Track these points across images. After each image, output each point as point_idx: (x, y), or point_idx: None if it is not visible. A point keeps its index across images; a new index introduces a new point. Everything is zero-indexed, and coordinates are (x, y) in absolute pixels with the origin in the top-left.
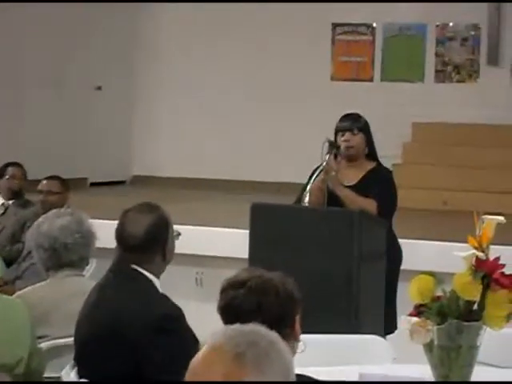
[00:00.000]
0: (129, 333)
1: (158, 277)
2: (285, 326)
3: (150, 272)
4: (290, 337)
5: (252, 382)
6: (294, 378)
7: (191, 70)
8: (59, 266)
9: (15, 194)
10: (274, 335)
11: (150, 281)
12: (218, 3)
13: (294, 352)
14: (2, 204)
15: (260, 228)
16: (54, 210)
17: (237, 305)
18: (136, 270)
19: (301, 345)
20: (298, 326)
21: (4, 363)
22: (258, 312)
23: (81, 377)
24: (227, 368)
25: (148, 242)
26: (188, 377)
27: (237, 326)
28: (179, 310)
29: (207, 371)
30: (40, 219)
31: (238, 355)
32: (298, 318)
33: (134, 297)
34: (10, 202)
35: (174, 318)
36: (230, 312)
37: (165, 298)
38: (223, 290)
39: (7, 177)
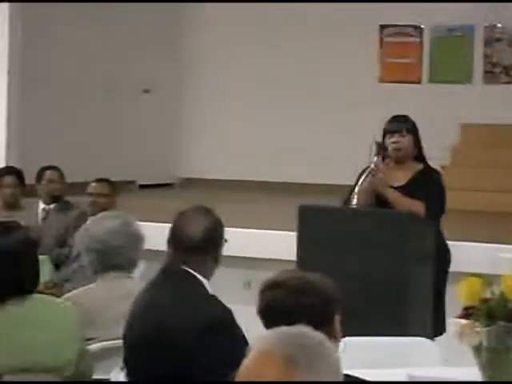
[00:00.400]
0: (178, 335)
1: (208, 279)
2: (325, 326)
3: (202, 274)
4: (330, 337)
5: (309, 382)
6: (342, 378)
7: (237, 72)
8: (108, 269)
9: (55, 198)
10: (321, 336)
11: (201, 283)
12: (263, 4)
13: None
14: (43, 209)
15: (308, 230)
16: (102, 213)
17: (276, 306)
18: (188, 272)
19: (341, 345)
20: (337, 326)
21: (54, 365)
22: (298, 312)
23: (130, 379)
24: (279, 371)
25: (205, 244)
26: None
27: (284, 329)
28: (229, 312)
29: (258, 376)
30: (88, 222)
31: (289, 358)
32: (337, 317)
33: (185, 298)
34: (51, 206)
35: (224, 320)
36: (270, 313)
37: (215, 300)
38: (262, 292)
39: (45, 181)
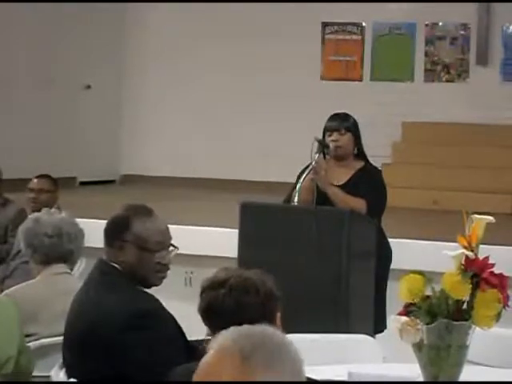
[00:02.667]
0: (103, 331)
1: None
2: (266, 324)
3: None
4: None
5: (266, 382)
6: (304, 378)
7: (180, 69)
8: (57, 258)
9: None
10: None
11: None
12: (206, 3)
13: None
14: None
15: (249, 227)
16: (44, 209)
17: (217, 305)
18: (116, 268)
19: None
20: (279, 323)
21: None
22: (239, 311)
23: (69, 377)
24: (236, 370)
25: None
26: (196, 380)
27: (242, 328)
28: (153, 306)
29: (215, 374)
30: (33, 216)
31: (246, 356)
32: (278, 315)
33: (112, 296)
34: None
35: (146, 313)
36: (211, 313)
37: (140, 293)
38: (203, 291)
39: None
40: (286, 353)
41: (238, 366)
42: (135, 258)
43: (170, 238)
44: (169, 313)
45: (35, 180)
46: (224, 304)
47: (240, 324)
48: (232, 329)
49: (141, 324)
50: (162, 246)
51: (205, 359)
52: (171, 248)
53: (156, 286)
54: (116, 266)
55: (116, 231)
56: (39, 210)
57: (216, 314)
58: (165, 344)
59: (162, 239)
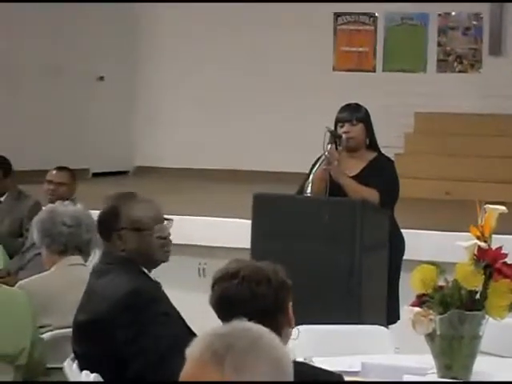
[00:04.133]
0: (103, 316)
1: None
2: (278, 314)
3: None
4: (284, 323)
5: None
6: (287, 370)
7: (193, 59)
8: (74, 248)
9: None
10: (257, 331)
11: (138, 268)
12: None
13: (287, 338)
14: None
15: (262, 218)
16: (57, 202)
17: (230, 296)
18: (124, 258)
19: (295, 331)
20: (291, 313)
21: (6, 353)
22: (252, 301)
23: (81, 368)
24: (210, 377)
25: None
26: None
27: (213, 330)
28: (150, 289)
29: (192, 378)
30: (47, 208)
31: (217, 362)
32: (290, 304)
33: (109, 280)
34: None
35: (139, 293)
36: (224, 304)
37: (140, 275)
38: (215, 282)
39: None
40: (259, 349)
41: (211, 371)
42: (136, 241)
43: (162, 212)
44: (166, 296)
45: (54, 172)
46: (236, 295)
47: (252, 314)
48: (204, 332)
49: (136, 303)
50: (156, 220)
51: (184, 369)
52: (166, 222)
53: (164, 262)
54: (117, 254)
55: (109, 224)
56: (55, 202)
57: (228, 305)
58: (162, 321)
59: (153, 214)
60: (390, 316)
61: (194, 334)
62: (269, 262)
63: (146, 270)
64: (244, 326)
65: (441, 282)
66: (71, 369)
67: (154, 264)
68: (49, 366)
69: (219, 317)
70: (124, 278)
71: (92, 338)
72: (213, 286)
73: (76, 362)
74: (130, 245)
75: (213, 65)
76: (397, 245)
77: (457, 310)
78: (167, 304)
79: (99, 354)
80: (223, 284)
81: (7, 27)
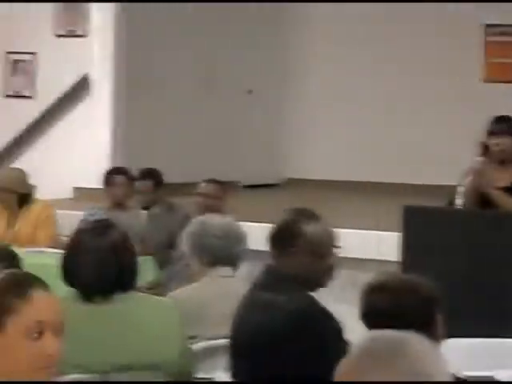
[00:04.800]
0: (275, 330)
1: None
2: (426, 327)
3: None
4: (432, 338)
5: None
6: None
7: (342, 71)
8: (223, 260)
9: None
10: (406, 340)
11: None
12: (369, 5)
13: None
14: (149, 211)
15: (413, 231)
16: (207, 215)
17: (378, 309)
18: (292, 275)
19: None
20: (440, 327)
21: (154, 362)
22: (400, 314)
23: (236, 379)
24: (349, 371)
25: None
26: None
27: (375, 332)
28: (322, 305)
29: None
30: (197, 220)
31: (353, 360)
32: (439, 318)
33: (280, 296)
34: (156, 208)
35: (317, 310)
36: (372, 316)
37: (309, 295)
38: (364, 295)
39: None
40: (402, 356)
41: (352, 368)
42: (308, 263)
43: (336, 239)
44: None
45: (204, 184)
46: (385, 308)
47: (399, 327)
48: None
49: (311, 319)
50: (331, 248)
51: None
52: (336, 249)
53: (323, 287)
54: (286, 271)
55: (287, 238)
56: (204, 215)
57: (376, 318)
58: (336, 338)
59: (331, 242)
60: None
61: None
62: (416, 275)
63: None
64: (389, 333)
65: None
66: (222, 380)
67: (315, 287)
68: (198, 376)
69: (368, 328)
70: (298, 296)
71: (263, 351)
72: (362, 299)
73: (229, 372)
74: (302, 265)
75: (362, 76)
76: None
77: None
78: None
79: (268, 368)
80: (372, 297)
81: (160, 41)
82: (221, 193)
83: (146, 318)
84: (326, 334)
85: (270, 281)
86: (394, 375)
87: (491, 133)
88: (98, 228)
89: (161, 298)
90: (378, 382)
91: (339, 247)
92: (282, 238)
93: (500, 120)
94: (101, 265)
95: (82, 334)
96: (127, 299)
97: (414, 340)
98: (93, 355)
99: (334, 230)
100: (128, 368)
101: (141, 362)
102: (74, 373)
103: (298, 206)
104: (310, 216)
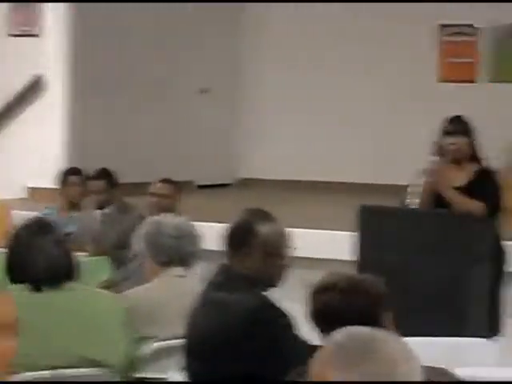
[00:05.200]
0: (232, 331)
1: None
2: (376, 326)
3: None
4: None
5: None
6: (401, 373)
7: (297, 72)
8: (177, 260)
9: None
10: (376, 336)
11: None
12: (323, 5)
13: None
14: (103, 211)
15: (368, 230)
16: (162, 215)
17: (327, 308)
18: (245, 274)
19: None
20: (390, 325)
21: (100, 355)
22: (349, 313)
23: (189, 379)
24: (317, 368)
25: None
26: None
27: (346, 329)
28: (273, 302)
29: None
30: (151, 220)
31: (328, 355)
32: (389, 316)
33: (234, 295)
34: (109, 208)
35: (267, 308)
36: (321, 316)
37: (261, 293)
38: (313, 295)
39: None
40: (372, 352)
41: (323, 363)
42: (262, 262)
43: (290, 240)
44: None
45: (158, 184)
46: (333, 307)
47: (347, 325)
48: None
49: (262, 318)
50: (285, 248)
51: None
52: (290, 249)
53: (275, 287)
54: (240, 270)
55: (241, 238)
56: (158, 215)
57: (326, 318)
58: (288, 335)
59: (285, 242)
60: (493, 328)
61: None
62: (369, 273)
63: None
64: (364, 329)
65: None
66: (175, 380)
67: (268, 287)
68: (152, 376)
69: (317, 329)
70: (250, 295)
71: (218, 351)
72: (311, 299)
73: (183, 372)
74: (256, 264)
75: (317, 77)
76: (500, 256)
77: None
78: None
79: (221, 368)
80: (321, 296)
81: (113, 42)
82: (174, 192)
83: (90, 308)
84: (279, 334)
85: (224, 280)
86: (370, 373)
87: (446, 132)
88: (38, 225)
89: (99, 290)
90: (354, 382)
91: (293, 247)
92: (236, 238)
93: (455, 120)
94: (48, 258)
95: (34, 325)
96: (75, 289)
97: (388, 338)
98: (43, 347)
99: (288, 230)
100: (78, 361)
101: (88, 355)
102: (23, 369)
103: (252, 205)
104: (264, 216)
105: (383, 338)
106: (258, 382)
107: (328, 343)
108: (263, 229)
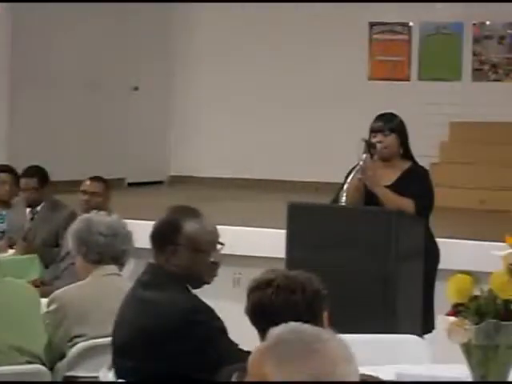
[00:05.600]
0: (158, 331)
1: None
2: (312, 323)
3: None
4: None
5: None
6: (333, 379)
7: (229, 69)
8: (109, 258)
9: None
10: (316, 335)
11: (182, 282)
12: (254, 4)
13: None
14: (32, 208)
15: (297, 227)
16: (93, 212)
17: (264, 305)
18: (170, 271)
19: None
20: (326, 322)
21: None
22: (286, 310)
23: (119, 377)
24: (255, 364)
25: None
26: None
27: (288, 325)
28: (207, 305)
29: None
30: (82, 217)
31: (266, 351)
32: (325, 314)
33: (162, 295)
34: (40, 205)
35: (201, 310)
36: (259, 313)
37: (190, 293)
38: (250, 292)
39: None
40: (308, 352)
41: (257, 359)
42: (189, 260)
43: (219, 236)
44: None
45: (88, 182)
46: (270, 304)
47: (286, 323)
48: (282, 325)
49: (194, 320)
50: (213, 245)
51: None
52: (219, 246)
53: (208, 284)
54: (167, 269)
55: (167, 235)
56: (90, 212)
57: (263, 314)
58: (220, 337)
59: (212, 239)
60: (426, 325)
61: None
62: (303, 271)
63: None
64: (304, 327)
65: (476, 292)
66: (106, 378)
67: (197, 285)
68: (83, 374)
69: (254, 326)
70: (181, 295)
71: (145, 350)
72: (248, 295)
73: (113, 370)
74: (183, 261)
75: (249, 75)
76: (432, 254)
77: (492, 320)
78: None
79: (148, 365)
80: (258, 293)
81: (45, 40)
82: (105, 190)
83: (11, 298)
84: (209, 336)
85: (152, 279)
86: (310, 370)
87: (375, 130)
88: None
89: (18, 280)
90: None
91: (222, 244)
92: (163, 235)
93: (381, 118)
94: None
95: None
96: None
97: (330, 336)
98: None
99: (218, 226)
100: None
101: (15, 343)
102: None
103: (183, 203)
104: (190, 213)
105: (325, 335)
106: (187, 382)
107: (266, 339)
108: (189, 226)
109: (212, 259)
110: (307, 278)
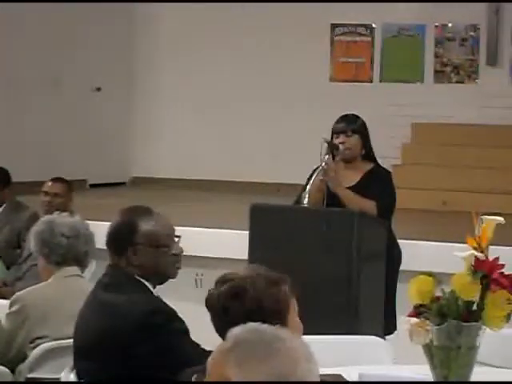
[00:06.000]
0: (118, 333)
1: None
2: (280, 324)
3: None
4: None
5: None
6: (295, 379)
7: (191, 71)
8: (72, 260)
9: None
10: (275, 336)
11: (142, 284)
12: (216, 4)
13: None
14: None
15: (259, 229)
16: (56, 213)
17: (209, 305)
18: (129, 273)
19: None
20: (296, 319)
21: None
22: (252, 311)
23: (80, 379)
24: (215, 365)
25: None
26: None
27: (247, 325)
28: (168, 306)
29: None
30: (45, 219)
31: (227, 352)
32: (294, 315)
33: (121, 296)
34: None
35: (161, 311)
36: (222, 314)
37: (150, 294)
38: (212, 293)
39: None
40: (269, 352)
41: (218, 360)
42: (151, 257)
43: (174, 229)
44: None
45: (50, 183)
46: (212, 306)
47: (229, 323)
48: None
49: (155, 322)
50: (171, 238)
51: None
52: (177, 239)
53: (173, 278)
54: (128, 270)
55: (125, 237)
56: (52, 213)
57: (226, 316)
58: (181, 338)
59: (169, 232)
60: (387, 326)
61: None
62: (276, 273)
63: (150, 287)
64: (265, 327)
65: (438, 293)
66: (68, 379)
67: (164, 280)
68: (45, 376)
69: (216, 327)
70: (142, 296)
71: (106, 352)
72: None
73: (74, 372)
74: (146, 260)
75: (211, 76)
76: (394, 255)
77: (454, 321)
78: (184, 323)
79: (109, 367)
80: (221, 294)
81: (6, 39)
82: (66, 191)
83: None
84: (168, 335)
85: (113, 281)
86: (271, 370)
87: (338, 131)
88: None
89: None
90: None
91: (178, 237)
92: (120, 238)
93: (343, 119)
94: None
95: None
96: None
97: (290, 336)
98: None
99: (181, 228)
100: None
101: None
102: None
103: (144, 204)
104: (143, 212)
105: (285, 335)
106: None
107: (226, 340)
108: (144, 224)
109: (173, 252)
110: (274, 278)
